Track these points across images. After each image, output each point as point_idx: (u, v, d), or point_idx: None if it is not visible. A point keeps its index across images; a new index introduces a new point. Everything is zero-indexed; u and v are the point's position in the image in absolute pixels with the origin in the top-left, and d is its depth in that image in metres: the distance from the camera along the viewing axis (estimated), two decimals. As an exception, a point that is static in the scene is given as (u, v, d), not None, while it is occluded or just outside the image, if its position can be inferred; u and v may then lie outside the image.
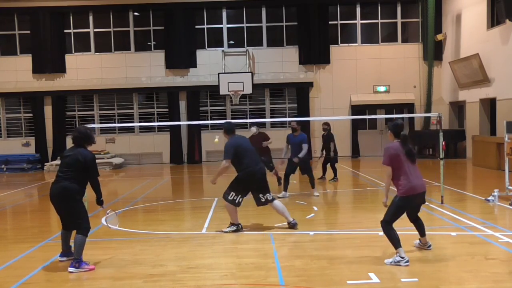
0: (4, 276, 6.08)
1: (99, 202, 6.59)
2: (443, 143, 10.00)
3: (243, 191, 8.03)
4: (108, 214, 7.01)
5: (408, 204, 6.19)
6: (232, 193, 7.97)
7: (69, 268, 6.16)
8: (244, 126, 22.11)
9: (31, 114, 22.38)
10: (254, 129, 12.84)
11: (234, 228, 8.07)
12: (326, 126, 14.51)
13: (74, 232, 6.49)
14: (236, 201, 7.95)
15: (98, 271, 6.18)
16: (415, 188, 6.13)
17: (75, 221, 6.32)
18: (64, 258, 6.60)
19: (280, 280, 5.59)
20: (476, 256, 6.26)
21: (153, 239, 7.84)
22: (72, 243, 6.60)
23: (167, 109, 22.30)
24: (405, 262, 5.92)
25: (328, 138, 14.22)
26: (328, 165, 14.42)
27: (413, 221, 6.55)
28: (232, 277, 5.77)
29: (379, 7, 22.40)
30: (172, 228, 8.50)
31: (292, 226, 8.08)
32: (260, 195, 8.02)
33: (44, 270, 6.30)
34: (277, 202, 8.16)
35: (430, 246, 6.60)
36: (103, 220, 9.22)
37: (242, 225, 8.15)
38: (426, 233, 6.52)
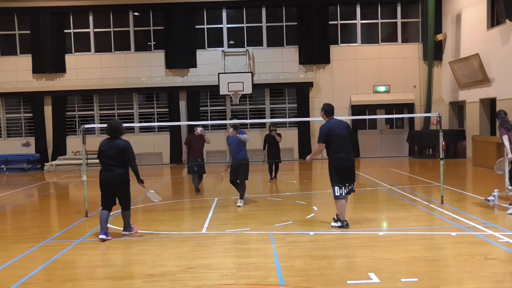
0: (4, 276, 6.08)
1: (140, 181, 8.01)
2: (443, 143, 9.99)
3: (339, 180, 7.95)
4: (150, 192, 8.63)
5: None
6: (335, 187, 7.98)
7: (123, 232, 7.93)
8: (244, 126, 22.16)
9: (31, 114, 22.39)
10: (199, 130, 12.58)
11: (339, 224, 8.07)
12: (275, 127, 14.84)
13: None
14: (337, 194, 7.93)
15: (98, 271, 6.18)
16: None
17: (126, 199, 7.85)
18: (104, 236, 7.66)
19: (280, 280, 5.59)
20: (476, 256, 6.26)
21: (153, 239, 7.84)
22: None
23: (167, 109, 22.30)
24: None
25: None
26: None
27: None
28: (232, 277, 5.76)
29: (379, 7, 22.40)
30: (172, 228, 8.50)
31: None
32: (346, 184, 8.02)
33: (44, 270, 6.30)
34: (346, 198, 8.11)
35: None
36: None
37: (347, 222, 8.06)
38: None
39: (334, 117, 8.23)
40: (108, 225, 8.83)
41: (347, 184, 7.99)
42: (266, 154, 14.66)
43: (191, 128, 22.09)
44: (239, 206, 10.38)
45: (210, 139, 12.79)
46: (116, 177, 7.72)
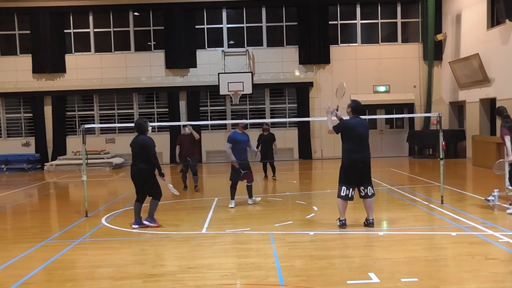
0: (4, 276, 6.08)
1: (161, 174, 8.45)
2: (443, 143, 9.99)
3: (347, 180, 7.79)
4: (170, 186, 8.90)
5: None
6: (342, 187, 7.80)
7: (144, 221, 8.38)
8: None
9: (31, 114, 22.38)
10: (187, 129, 12.99)
11: (339, 223, 7.98)
12: (268, 126, 15.16)
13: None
14: (342, 194, 7.77)
15: (98, 271, 6.18)
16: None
17: (152, 191, 8.37)
18: (137, 226, 8.36)
19: (280, 280, 5.59)
20: (476, 256, 6.26)
21: (153, 239, 7.84)
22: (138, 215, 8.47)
23: (167, 109, 22.30)
24: None
25: (271, 139, 14.91)
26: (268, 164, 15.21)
27: None
28: (232, 277, 5.76)
29: (379, 7, 22.40)
30: (172, 228, 8.50)
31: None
32: (361, 188, 7.89)
33: (44, 270, 6.30)
34: (371, 199, 7.94)
35: None
36: (103, 221, 9.25)
37: (345, 221, 7.90)
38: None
39: (360, 117, 8.16)
40: (109, 225, 8.86)
41: (362, 188, 7.87)
42: (259, 153, 14.97)
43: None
44: (257, 202, 10.69)
45: (197, 135, 13.22)
46: (136, 172, 8.25)
